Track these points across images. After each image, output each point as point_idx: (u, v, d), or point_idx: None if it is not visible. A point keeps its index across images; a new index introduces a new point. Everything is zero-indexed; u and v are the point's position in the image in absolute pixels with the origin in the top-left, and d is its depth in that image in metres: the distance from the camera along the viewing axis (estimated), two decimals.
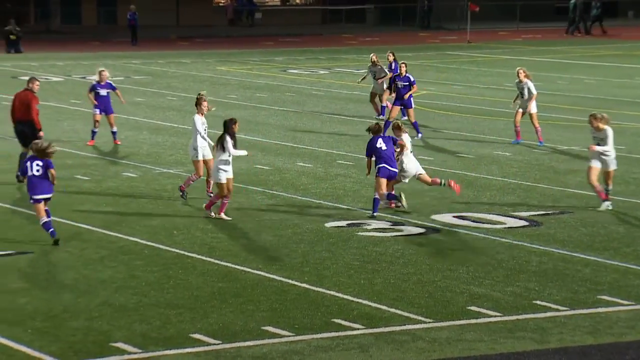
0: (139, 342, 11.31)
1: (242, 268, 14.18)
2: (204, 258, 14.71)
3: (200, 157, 18.15)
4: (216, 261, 14.55)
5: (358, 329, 11.68)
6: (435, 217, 17.19)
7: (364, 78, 29.74)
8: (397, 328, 11.71)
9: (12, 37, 45.04)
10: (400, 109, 26.32)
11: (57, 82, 35.96)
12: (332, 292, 13.01)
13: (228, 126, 17.00)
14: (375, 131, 17.51)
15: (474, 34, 53.80)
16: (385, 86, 27.50)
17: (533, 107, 24.42)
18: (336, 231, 16.03)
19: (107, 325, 11.82)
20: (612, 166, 18.00)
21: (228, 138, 16.89)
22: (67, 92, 33.19)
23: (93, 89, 23.89)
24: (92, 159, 22.74)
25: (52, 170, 15.44)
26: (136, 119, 27.86)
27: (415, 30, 61.08)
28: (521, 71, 24.47)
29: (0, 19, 51.28)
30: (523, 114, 24.42)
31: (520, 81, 24.16)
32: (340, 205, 17.86)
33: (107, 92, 23.68)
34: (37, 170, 15.32)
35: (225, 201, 17.06)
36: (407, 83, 25.67)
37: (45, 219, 15.42)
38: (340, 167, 21.62)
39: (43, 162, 15.33)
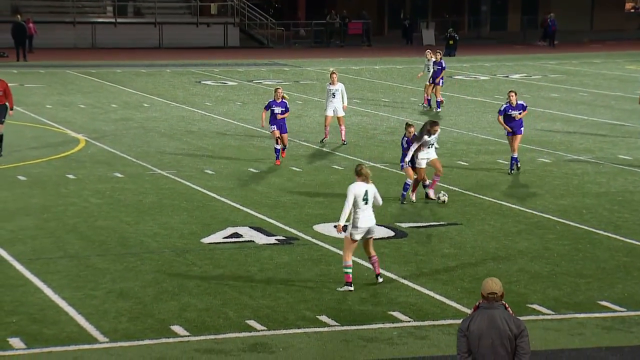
0: (551, 305, 13.35)
1: None
2: (610, 235, 17.05)
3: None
4: (621, 238, 16.82)
5: None
6: None
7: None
8: None
9: (450, 42, 53.82)
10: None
11: (484, 80, 42.02)
12: None
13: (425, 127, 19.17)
14: None
15: None
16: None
17: None
18: None
19: (523, 289, 13.98)
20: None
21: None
22: (492, 89, 38.55)
23: (269, 106, 23.50)
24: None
25: None
26: (551, 111, 31.84)
27: None
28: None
29: (441, 28, 63.81)
30: None
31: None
32: None
33: (282, 111, 23.26)
34: None
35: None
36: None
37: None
38: None
39: None
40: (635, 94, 35.96)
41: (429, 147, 19.04)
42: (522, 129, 21.96)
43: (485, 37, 66.28)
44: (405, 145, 18.91)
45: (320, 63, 48.01)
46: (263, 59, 50.81)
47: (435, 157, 19.22)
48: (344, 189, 20.39)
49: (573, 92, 36.83)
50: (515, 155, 21.71)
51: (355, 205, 13.61)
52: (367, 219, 13.66)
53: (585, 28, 72.34)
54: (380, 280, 13.87)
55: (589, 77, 41.73)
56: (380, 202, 13.90)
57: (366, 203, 13.65)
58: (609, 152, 24.45)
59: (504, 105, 21.84)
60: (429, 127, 18.94)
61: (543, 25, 62.20)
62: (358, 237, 13.69)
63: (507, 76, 42.59)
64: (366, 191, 13.65)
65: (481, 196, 19.45)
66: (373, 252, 13.96)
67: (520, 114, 21.67)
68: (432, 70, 32.47)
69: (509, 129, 21.57)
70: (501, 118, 21.66)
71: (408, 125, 19.14)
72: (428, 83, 32.40)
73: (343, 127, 25.65)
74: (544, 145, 25.21)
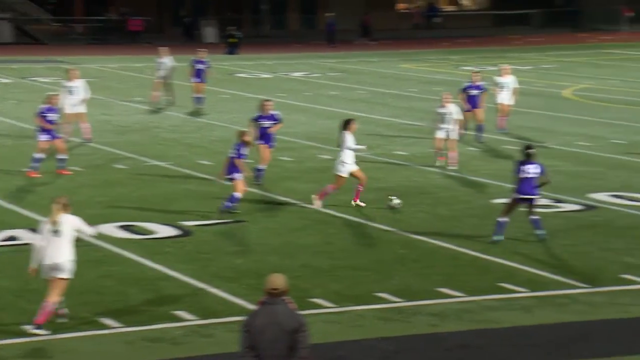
0: (332, 298, 13.63)
1: (420, 238, 16.85)
2: (387, 228, 17.47)
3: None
4: (398, 231, 17.28)
5: (522, 292, 14.00)
6: (591, 195, 20.04)
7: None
8: (557, 292, 14.00)
9: (232, 40, 53.64)
10: None
11: (266, 78, 42.56)
12: (499, 260, 15.53)
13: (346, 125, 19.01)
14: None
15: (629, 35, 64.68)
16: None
17: None
18: (501, 207, 17.72)
19: (306, 284, 14.19)
20: None
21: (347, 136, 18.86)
22: (273, 87, 38.95)
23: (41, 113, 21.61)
24: (294, 143, 25.37)
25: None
26: (331, 109, 32.45)
27: (573, 32, 70.08)
28: None
29: (222, 26, 62.34)
30: None
31: None
32: (505, 184, 19.80)
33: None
34: None
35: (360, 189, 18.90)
36: None
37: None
38: (505, 150, 25.01)
39: None
40: (408, 92, 37.38)
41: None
42: (272, 143, 21.17)
43: (266, 35, 66.62)
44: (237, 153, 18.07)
45: (99, 60, 47.12)
46: (39, 55, 49.34)
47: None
48: (127, 189, 20.46)
49: (352, 90, 37.59)
50: (263, 167, 20.78)
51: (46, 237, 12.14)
52: (51, 253, 12.02)
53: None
54: (36, 330, 11.85)
55: (367, 76, 42.69)
56: (88, 231, 12.53)
57: (55, 234, 12.08)
58: (386, 148, 25.12)
59: (258, 113, 21.33)
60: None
61: (363, 25, 62.63)
62: (46, 275, 12.12)
63: (288, 74, 43.03)
64: (54, 222, 12.10)
65: (265, 193, 19.63)
66: (53, 297, 12.01)
67: (272, 125, 20.88)
68: (162, 69, 32.56)
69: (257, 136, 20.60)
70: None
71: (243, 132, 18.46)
72: (194, 81, 31.96)
73: (85, 125, 25.15)
74: (324, 142, 25.51)
